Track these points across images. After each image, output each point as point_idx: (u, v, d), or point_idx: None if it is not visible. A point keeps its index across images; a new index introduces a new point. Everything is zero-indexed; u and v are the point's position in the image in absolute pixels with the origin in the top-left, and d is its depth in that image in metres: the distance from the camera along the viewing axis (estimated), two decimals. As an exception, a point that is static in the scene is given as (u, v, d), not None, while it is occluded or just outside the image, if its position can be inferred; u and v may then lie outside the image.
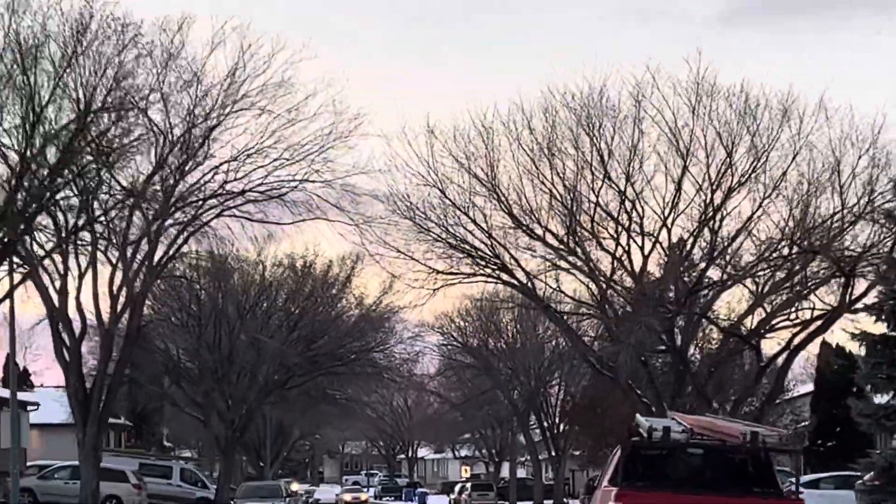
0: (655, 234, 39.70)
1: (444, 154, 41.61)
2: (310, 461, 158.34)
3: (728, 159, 38.92)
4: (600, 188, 40.79)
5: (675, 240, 40.73)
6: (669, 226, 40.09)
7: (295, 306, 57.75)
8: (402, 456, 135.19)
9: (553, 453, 78.38)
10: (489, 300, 77.11)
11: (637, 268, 41.33)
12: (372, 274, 71.27)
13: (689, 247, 39.37)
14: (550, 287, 43.36)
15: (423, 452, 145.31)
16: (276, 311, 58.76)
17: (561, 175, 40.37)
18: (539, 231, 41.89)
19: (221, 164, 37.51)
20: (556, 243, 42.15)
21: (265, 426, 65.17)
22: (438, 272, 42.24)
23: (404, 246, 41.74)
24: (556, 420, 78.68)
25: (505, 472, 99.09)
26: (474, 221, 41.73)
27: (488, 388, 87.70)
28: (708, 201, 39.33)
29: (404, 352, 76.44)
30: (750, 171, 38.88)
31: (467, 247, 42.05)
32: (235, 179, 37.85)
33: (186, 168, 37.07)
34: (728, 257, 38.88)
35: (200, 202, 37.94)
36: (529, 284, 42.53)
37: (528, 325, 78.30)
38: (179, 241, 38.77)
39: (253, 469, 77.53)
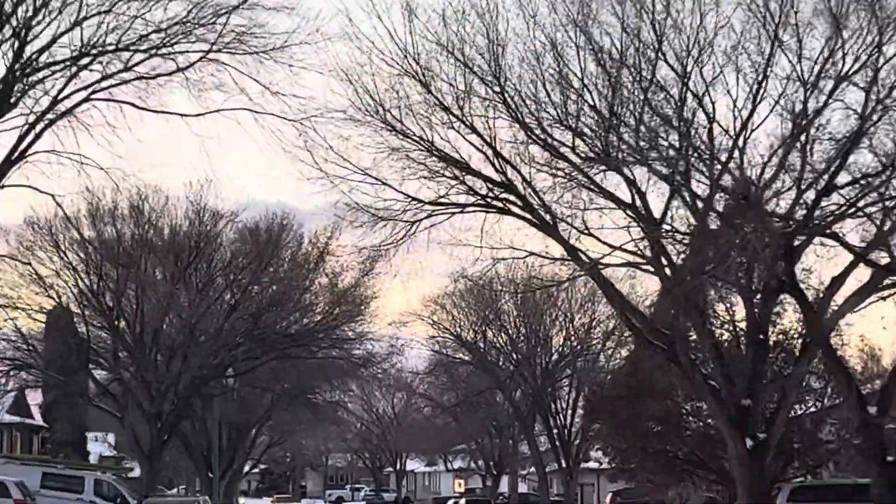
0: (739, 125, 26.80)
1: (430, 38, 28.73)
2: (291, 474, 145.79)
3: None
4: (651, 80, 28.02)
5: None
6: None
7: (241, 271, 44.86)
8: (391, 469, 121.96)
9: (563, 463, 65.83)
10: (486, 283, 65.01)
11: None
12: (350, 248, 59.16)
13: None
14: (578, 230, 30.03)
15: (413, 465, 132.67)
16: (218, 274, 45.85)
17: (600, 56, 27.75)
18: (565, 147, 29.23)
19: (90, 16, 24.68)
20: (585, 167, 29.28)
21: (212, 428, 52.58)
22: (421, 202, 29.67)
23: (371, 164, 29.11)
24: (568, 423, 66.18)
25: (504, 486, 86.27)
26: (473, 128, 29.17)
27: (486, 388, 75.09)
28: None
29: (386, 342, 64.16)
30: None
31: (460, 164, 29.45)
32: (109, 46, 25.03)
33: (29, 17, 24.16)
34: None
35: (58, 75, 25.13)
36: (550, 221, 29.58)
37: (532, 311, 65.95)
38: (27, 140, 25.89)
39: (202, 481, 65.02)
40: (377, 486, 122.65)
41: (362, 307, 61.38)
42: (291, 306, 43.14)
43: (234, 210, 44.71)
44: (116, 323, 43.57)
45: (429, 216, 29.25)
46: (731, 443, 28.11)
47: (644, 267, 29.18)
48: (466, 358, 70.64)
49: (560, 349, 66.93)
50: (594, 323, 66.09)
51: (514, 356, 66.78)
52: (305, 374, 65.13)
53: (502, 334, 66.57)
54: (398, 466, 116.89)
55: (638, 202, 28.68)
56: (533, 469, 79.31)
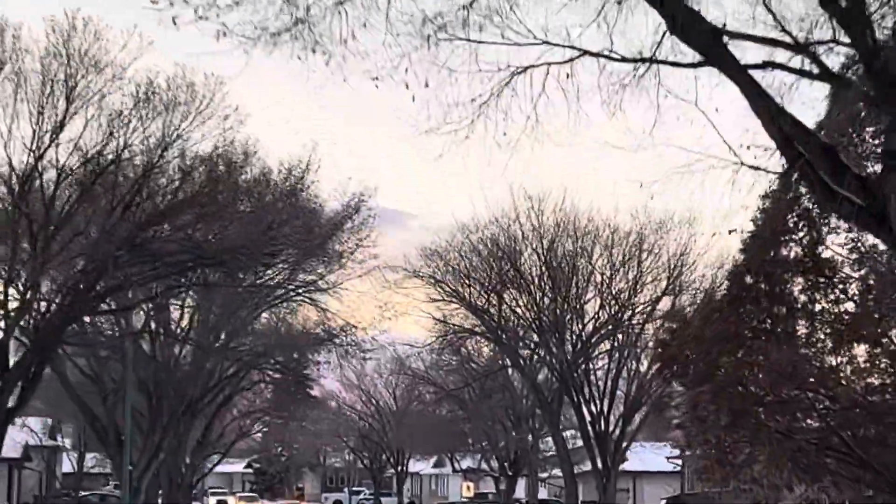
0: None
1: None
2: (285, 475, 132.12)
3: None
4: None
5: None
6: None
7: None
8: (393, 470, 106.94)
9: (600, 461, 51.19)
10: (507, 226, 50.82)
11: None
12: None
13: None
14: None
15: (419, 466, 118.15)
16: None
17: None
18: None
19: None
20: None
21: (126, 400, 37.95)
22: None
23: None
24: (606, 410, 51.57)
25: (522, 490, 71.58)
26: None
27: (501, 367, 60.45)
28: None
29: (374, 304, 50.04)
30: None
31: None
32: None
33: None
34: None
35: None
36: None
37: (562, 268, 51.43)
38: None
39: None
40: (376, 489, 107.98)
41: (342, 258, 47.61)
42: (216, 213, 28.40)
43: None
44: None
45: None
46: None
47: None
48: (477, 329, 56.02)
49: (596, 317, 52.38)
50: (639, 285, 51.55)
51: (538, 325, 52.18)
52: (261, 337, 50.96)
53: (522, 295, 51.89)
54: (399, 468, 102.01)
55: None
56: (556, 471, 64.72)
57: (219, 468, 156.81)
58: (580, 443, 62.61)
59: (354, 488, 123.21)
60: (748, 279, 21.86)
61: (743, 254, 22.43)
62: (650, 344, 52.34)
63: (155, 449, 41.88)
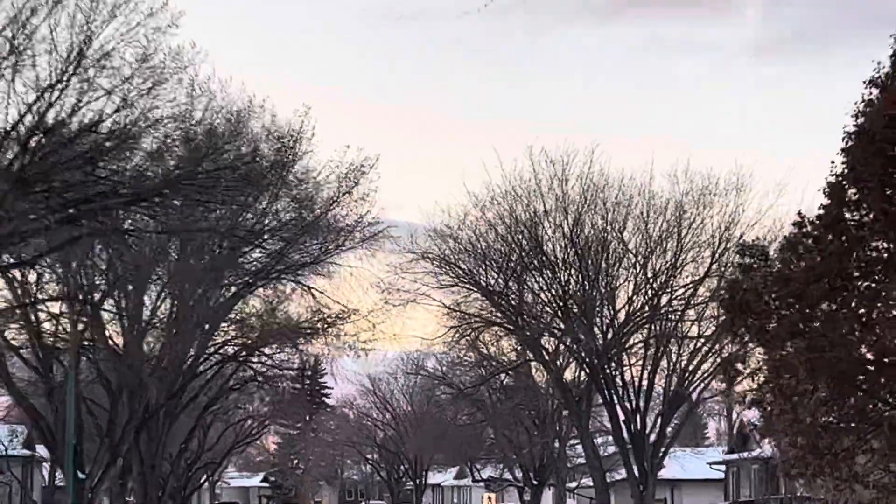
0: None
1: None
2: (295, 488, 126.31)
3: None
4: None
5: None
6: None
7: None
8: (412, 482, 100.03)
9: (636, 467, 44.53)
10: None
11: None
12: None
13: None
14: None
15: (440, 477, 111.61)
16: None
17: None
18: None
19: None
20: None
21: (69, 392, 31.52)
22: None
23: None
24: (642, 408, 44.95)
25: (548, 501, 65.04)
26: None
27: (521, 362, 53.88)
28: None
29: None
30: None
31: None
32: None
33: None
34: None
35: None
36: None
37: (591, 245, 44.87)
38: None
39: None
40: (393, 502, 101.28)
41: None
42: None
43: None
44: None
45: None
46: None
47: None
48: (495, 318, 49.39)
49: (630, 303, 45.79)
50: (680, 262, 44.97)
51: (563, 312, 45.57)
52: (248, 327, 44.60)
53: (545, 273, 45.29)
54: (419, 480, 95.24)
55: None
56: (587, 479, 58.06)
57: (235, 482, 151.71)
58: (613, 448, 56.18)
59: (373, 502, 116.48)
60: (852, 193, 15.39)
61: (845, 160, 15.93)
62: (692, 331, 45.84)
63: (111, 455, 35.50)
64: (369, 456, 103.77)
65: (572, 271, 44.69)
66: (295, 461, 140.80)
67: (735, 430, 63.21)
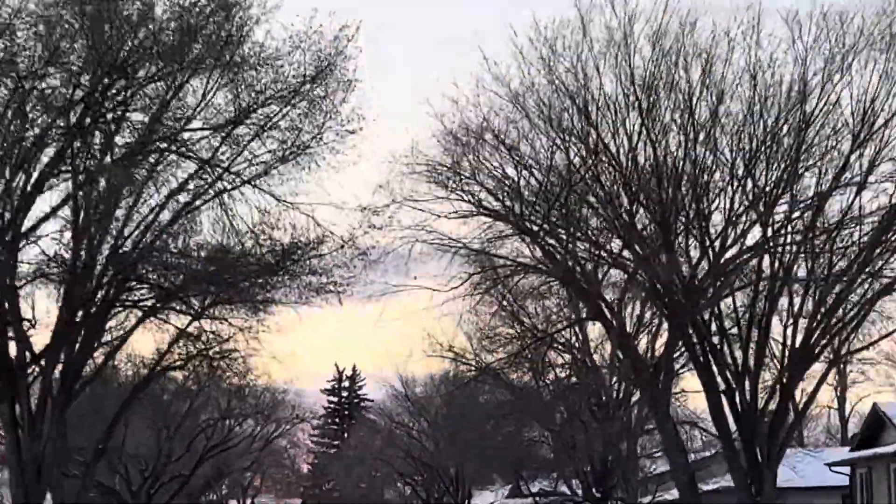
0: None
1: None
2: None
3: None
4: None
5: None
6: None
7: None
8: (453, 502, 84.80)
9: (746, 462, 29.48)
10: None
11: None
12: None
13: None
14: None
15: (488, 498, 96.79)
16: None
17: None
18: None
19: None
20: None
21: None
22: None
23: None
24: (748, 363, 29.88)
25: (615, 520, 50.12)
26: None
27: (572, 322, 39.16)
28: None
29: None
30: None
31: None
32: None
33: None
34: None
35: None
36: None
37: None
38: None
39: None
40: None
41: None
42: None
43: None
44: None
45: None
46: None
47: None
48: (534, 262, 34.47)
49: (730, 217, 30.69)
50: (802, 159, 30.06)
51: (628, 232, 30.69)
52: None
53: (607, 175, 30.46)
54: (460, 496, 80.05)
55: None
56: (670, 492, 43.10)
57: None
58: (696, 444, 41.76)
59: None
60: None
61: None
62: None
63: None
64: (402, 471, 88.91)
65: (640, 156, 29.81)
66: (331, 482, 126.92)
67: (863, 420, 48.05)
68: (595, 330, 41.70)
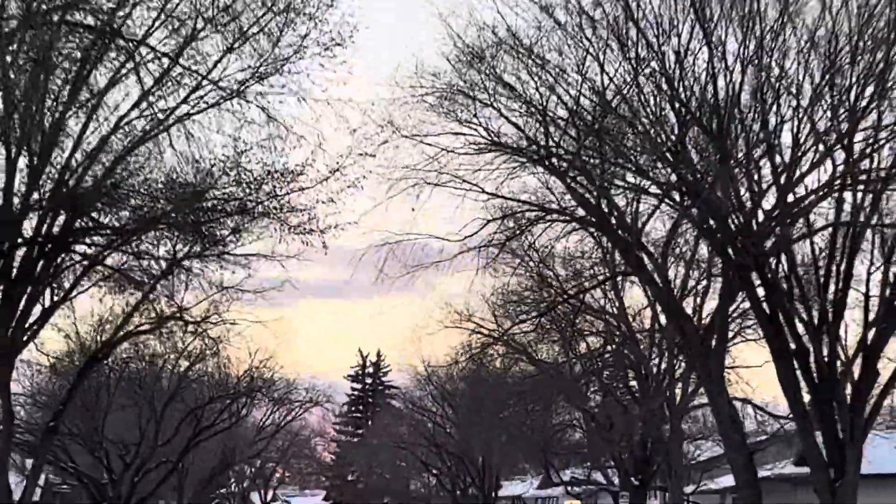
0: None
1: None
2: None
3: None
4: None
5: None
6: None
7: None
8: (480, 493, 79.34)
9: (825, 441, 23.94)
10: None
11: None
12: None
13: None
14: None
15: (521, 489, 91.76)
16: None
17: None
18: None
19: None
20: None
21: None
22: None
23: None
24: (825, 318, 24.32)
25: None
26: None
27: (602, 281, 33.74)
28: None
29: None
30: None
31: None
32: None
33: None
34: None
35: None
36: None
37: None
38: None
39: None
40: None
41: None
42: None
43: None
44: None
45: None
46: None
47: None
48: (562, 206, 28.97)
49: (799, 149, 25.00)
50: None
51: (678, 157, 25.11)
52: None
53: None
54: (489, 489, 74.61)
55: None
56: (715, 480, 37.54)
57: (297, 501, 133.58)
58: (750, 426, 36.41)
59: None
60: None
61: None
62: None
63: None
64: (427, 461, 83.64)
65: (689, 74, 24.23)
66: (355, 473, 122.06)
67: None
68: (632, 296, 36.22)
